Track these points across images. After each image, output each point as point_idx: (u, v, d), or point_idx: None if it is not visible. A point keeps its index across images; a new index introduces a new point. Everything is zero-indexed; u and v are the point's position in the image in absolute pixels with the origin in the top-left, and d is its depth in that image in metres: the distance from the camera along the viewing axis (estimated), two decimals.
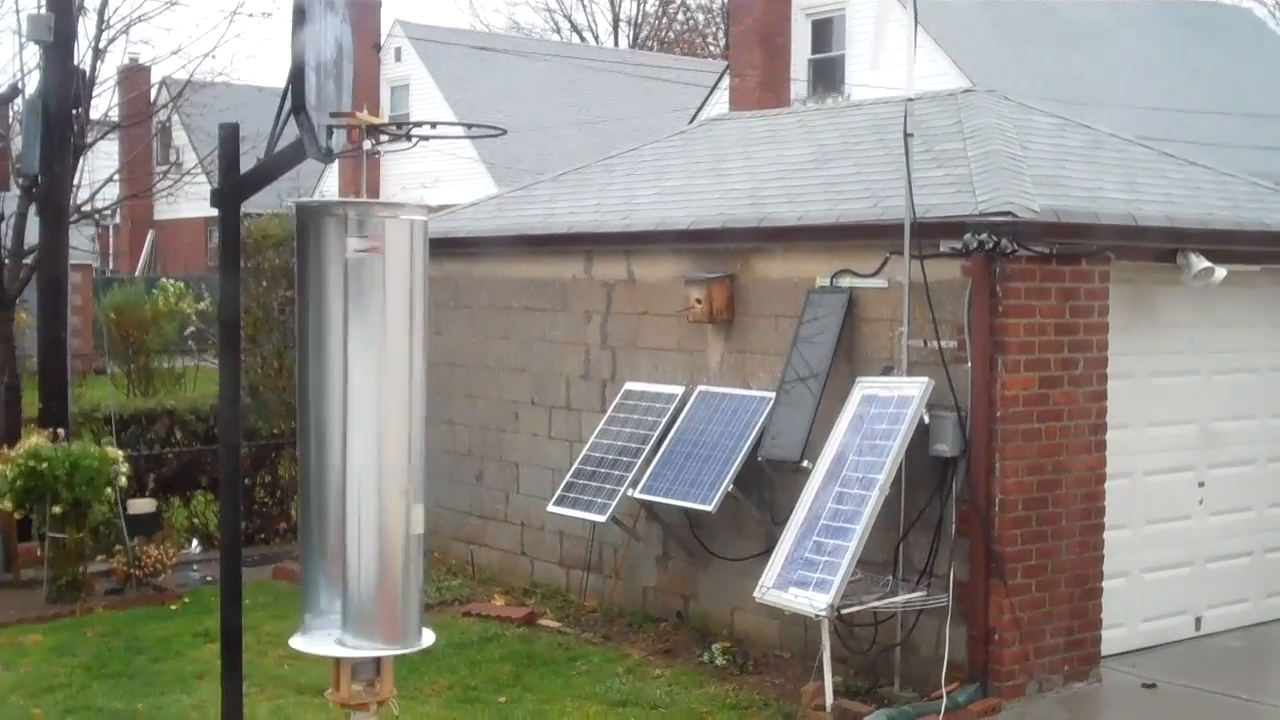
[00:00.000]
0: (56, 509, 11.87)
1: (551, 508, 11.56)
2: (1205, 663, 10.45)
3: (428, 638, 6.08)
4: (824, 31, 26.81)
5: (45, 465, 11.77)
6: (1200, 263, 10.09)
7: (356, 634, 5.88)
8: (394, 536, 5.88)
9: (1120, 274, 10.01)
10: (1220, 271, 10.13)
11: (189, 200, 28.14)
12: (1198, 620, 10.98)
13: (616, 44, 58.37)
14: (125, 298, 24.82)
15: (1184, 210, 10.69)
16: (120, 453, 12.47)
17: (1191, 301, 10.64)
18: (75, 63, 14.14)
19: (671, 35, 59.61)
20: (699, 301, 11.00)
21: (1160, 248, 10.21)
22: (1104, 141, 12.21)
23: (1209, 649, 10.79)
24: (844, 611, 9.19)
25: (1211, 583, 11.05)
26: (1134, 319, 10.32)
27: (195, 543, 14.61)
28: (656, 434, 11.14)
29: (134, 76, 25.70)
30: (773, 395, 10.44)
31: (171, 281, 26.47)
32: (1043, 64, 25.83)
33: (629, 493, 11.00)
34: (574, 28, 60.50)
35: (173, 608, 12.18)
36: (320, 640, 6.01)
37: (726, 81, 28.02)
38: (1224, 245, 10.40)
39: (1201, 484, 10.95)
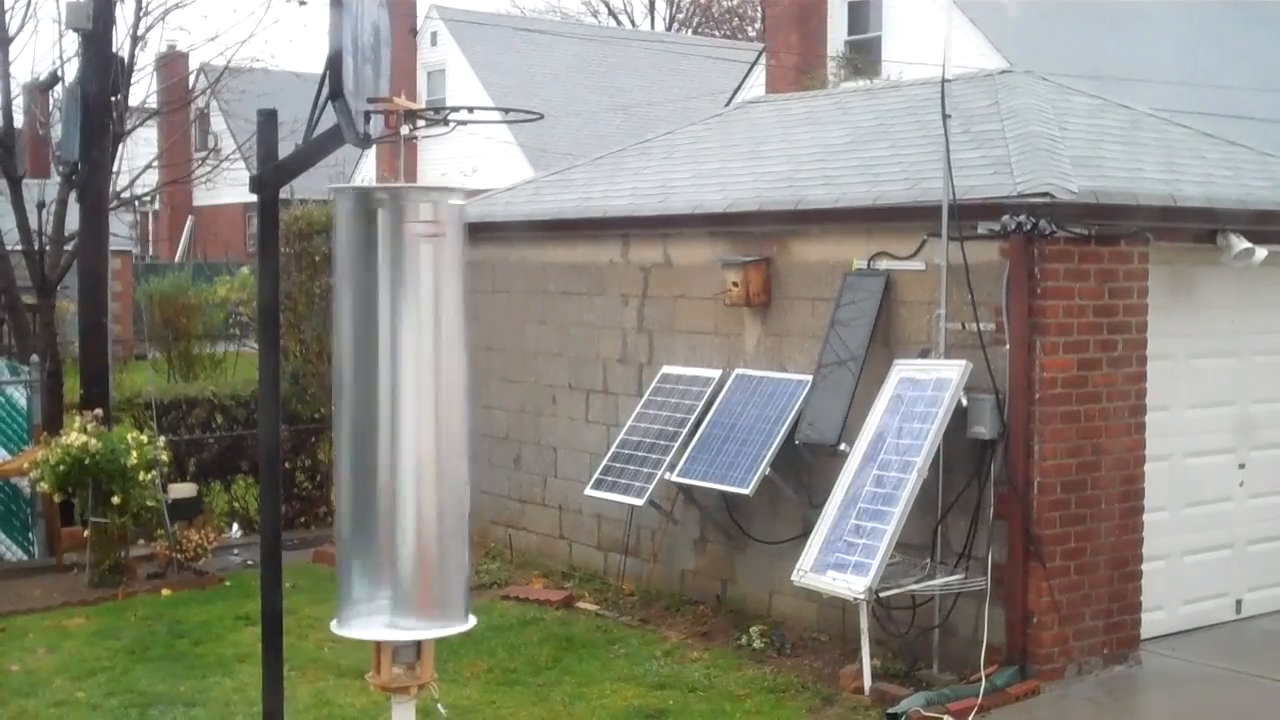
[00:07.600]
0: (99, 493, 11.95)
1: (589, 491, 11.59)
2: (1246, 646, 10.41)
3: (469, 620, 6.10)
4: (860, 13, 26.68)
5: (87, 451, 11.83)
6: (1240, 243, 10.02)
7: (402, 616, 5.91)
8: (439, 518, 5.90)
9: (1159, 255, 9.95)
10: (1261, 252, 10.06)
11: (228, 186, 28.24)
12: (1238, 603, 10.93)
13: (653, 27, 58.27)
14: (173, 285, 24.85)
15: (1223, 190, 10.62)
16: (148, 439, 12.46)
17: (1231, 282, 10.57)
18: (114, 50, 14.21)
19: (708, 14, 59.42)
20: (735, 285, 10.99)
21: (1200, 228, 10.15)
22: (1142, 122, 12.13)
23: (1249, 632, 10.75)
24: (882, 594, 9.20)
25: (1252, 565, 10.99)
26: (1173, 300, 10.26)
27: (236, 527, 14.72)
28: (693, 417, 11.14)
29: (172, 63, 25.85)
30: (809, 378, 10.43)
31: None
32: (1080, 42, 25.63)
33: (666, 476, 11.01)
34: (610, 11, 60.46)
35: (213, 591, 12.28)
36: (363, 624, 6.03)
37: (763, 63, 27.94)
38: (1264, 226, 10.33)
39: (1242, 466, 10.89)
